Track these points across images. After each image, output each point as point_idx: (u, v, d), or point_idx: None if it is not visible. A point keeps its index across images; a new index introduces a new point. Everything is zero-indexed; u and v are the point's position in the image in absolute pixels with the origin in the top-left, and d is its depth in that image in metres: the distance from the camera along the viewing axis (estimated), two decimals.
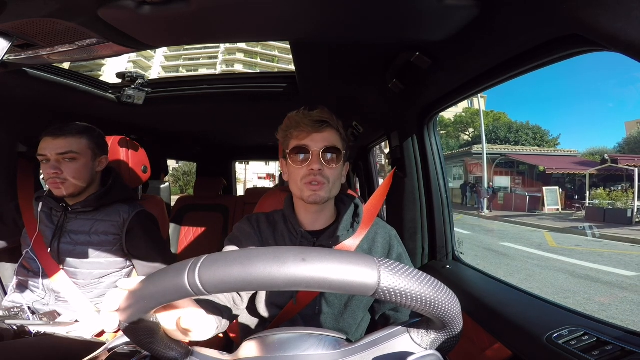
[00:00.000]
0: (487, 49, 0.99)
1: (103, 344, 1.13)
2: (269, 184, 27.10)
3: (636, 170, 14.25)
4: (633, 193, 13.50)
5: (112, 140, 1.76)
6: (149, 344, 0.58)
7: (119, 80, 1.76)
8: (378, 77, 1.47)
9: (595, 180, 17.28)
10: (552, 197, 17.23)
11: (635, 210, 12.33)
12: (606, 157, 17.13)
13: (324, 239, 1.17)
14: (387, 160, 1.88)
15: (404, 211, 1.71)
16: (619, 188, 14.74)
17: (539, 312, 1.01)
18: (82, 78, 1.68)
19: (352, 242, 1.20)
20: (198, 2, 0.82)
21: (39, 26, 0.94)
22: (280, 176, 2.00)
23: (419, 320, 0.60)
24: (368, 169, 3.07)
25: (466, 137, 31.94)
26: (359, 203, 1.27)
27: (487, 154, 19.27)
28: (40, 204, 1.54)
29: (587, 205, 14.92)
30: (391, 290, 0.46)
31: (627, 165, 15.43)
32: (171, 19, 0.91)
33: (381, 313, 1.24)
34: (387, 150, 1.97)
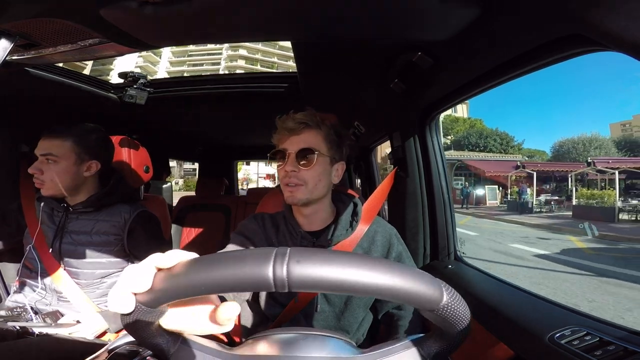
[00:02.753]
0: (489, 49, 0.99)
1: (105, 344, 1.13)
2: (269, 184, 27.24)
3: (534, 173, 20.46)
4: (533, 191, 19.93)
5: (114, 140, 1.76)
6: (140, 330, 0.52)
7: (122, 80, 1.76)
8: (380, 77, 1.47)
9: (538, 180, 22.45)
10: (492, 194, 22.50)
11: (535, 202, 18.19)
12: (518, 163, 23.50)
13: (323, 239, 1.18)
14: (389, 160, 1.88)
15: (405, 211, 1.71)
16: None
17: (541, 312, 1.01)
18: (85, 78, 1.68)
19: (351, 241, 1.21)
20: (200, 1, 0.82)
21: (41, 26, 0.94)
22: None
23: (428, 334, 0.60)
24: (369, 169, 3.07)
25: (447, 142, 32.93)
26: (358, 202, 1.28)
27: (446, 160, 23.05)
28: (42, 204, 1.54)
29: (509, 199, 20.27)
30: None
31: (532, 169, 21.17)
32: (173, 18, 0.91)
33: (384, 312, 1.25)
34: (388, 150, 1.97)
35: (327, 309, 1.16)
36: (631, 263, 7.64)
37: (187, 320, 0.55)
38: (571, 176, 20.17)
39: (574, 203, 16.49)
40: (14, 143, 1.80)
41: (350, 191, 1.52)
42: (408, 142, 1.65)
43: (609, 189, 16.34)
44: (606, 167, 17.45)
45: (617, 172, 16.32)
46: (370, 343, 1.30)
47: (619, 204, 14.14)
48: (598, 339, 0.80)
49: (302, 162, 1.11)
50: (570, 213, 15.69)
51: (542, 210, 17.55)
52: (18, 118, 1.81)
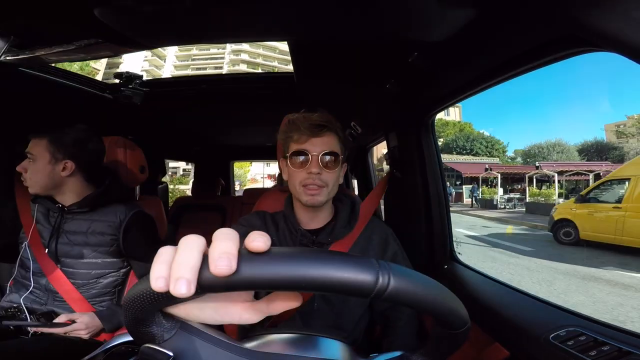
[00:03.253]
0: (484, 50, 0.99)
1: (100, 344, 1.12)
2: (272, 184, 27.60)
3: (499, 175, 23.61)
4: (496, 190, 23.10)
5: (109, 141, 1.75)
6: (145, 314, 0.45)
7: (117, 80, 1.76)
8: (376, 78, 1.47)
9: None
10: (468, 192, 24.59)
11: (499, 199, 20.41)
12: (487, 166, 25.92)
13: (323, 237, 1.19)
14: (385, 160, 1.88)
15: (401, 211, 1.71)
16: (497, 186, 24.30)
17: (537, 313, 1.01)
18: (80, 78, 1.67)
19: (349, 240, 1.22)
20: (195, 1, 0.82)
21: (35, 26, 0.94)
22: (279, 176, 2.00)
23: (427, 345, 0.60)
24: (366, 170, 3.07)
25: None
26: (356, 201, 1.29)
27: None
28: (37, 204, 1.54)
29: (479, 197, 22.56)
30: None
31: (498, 171, 24.26)
32: (168, 18, 0.91)
33: (379, 311, 1.25)
34: (384, 151, 1.97)
35: (324, 307, 1.16)
36: (525, 241, 9.97)
37: (209, 308, 0.49)
38: (526, 177, 22.33)
39: (527, 200, 19.34)
40: (8, 143, 1.80)
41: (346, 189, 1.52)
42: (404, 143, 1.66)
43: (552, 188, 19.76)
44: (550, 170, 20.34)
45: (556, 174, 19.53)
46: (367, 342, 1.31)
47: (560, 201, 16.10)
48: (593, 339, 0.80)
49: (326, 165, 1.12)
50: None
51: (506, 206, 20.04)
52: (13, 118, 1.80)
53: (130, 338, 1.07)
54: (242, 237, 0.42)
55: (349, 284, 0.40)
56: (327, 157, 1.12)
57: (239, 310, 0.49)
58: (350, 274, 0.40)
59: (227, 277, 0.37)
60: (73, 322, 1.36)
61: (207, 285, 0.38)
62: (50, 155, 1.45)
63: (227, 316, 0.49)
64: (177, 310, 0.48)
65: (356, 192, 3.34)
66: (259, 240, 0.39)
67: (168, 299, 0.39)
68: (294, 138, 1.15)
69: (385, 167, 1.88)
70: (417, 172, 1.60)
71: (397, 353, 0.61)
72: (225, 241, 0.38)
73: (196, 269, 0.37)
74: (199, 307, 0.48)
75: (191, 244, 0.39)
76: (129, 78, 1.71)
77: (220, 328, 0.52)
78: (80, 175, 1.54)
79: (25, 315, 1.39)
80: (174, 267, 0.37)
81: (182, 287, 0.35)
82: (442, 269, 1.51)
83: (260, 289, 0.43)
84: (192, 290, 0.36)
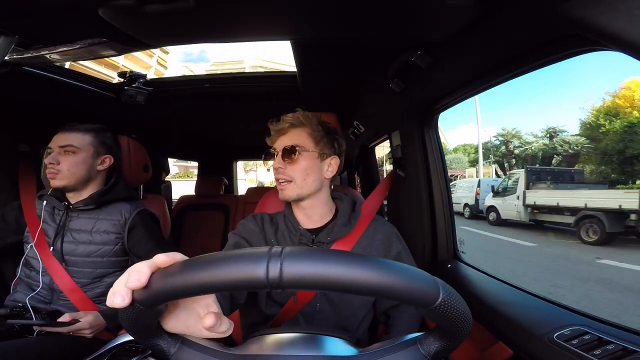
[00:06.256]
0: (488, 48, 0.99)
1: (105, 343, 1.13)
2: None
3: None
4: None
5: None
6: (140, 331, 0.52)
7: (121, 80, 1.76)
8: (379, 76, 1.47)
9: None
10: None
11: None
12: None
13: (322, 236, 1.19)
14: (388, 160, 1.88)
15: (405, 210, 1.70)
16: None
17: (540, 312, 1.01)
18: (84, 77, 1.68)
19: (350, 239, 1.21)
20: (198, 1, 0.82)
21: (39, 26, 0.94)
22: None
23: (429, 332, 0.59)
24: (369, 168, 3.07)
25: None
26: (356, 199, 1.29)
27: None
28: (44, 202, 1.54)
29: None
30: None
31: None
32: (171, 17, 0.91)
33: (382, 311, 1.25)
34: (388, 150, 1.97)
35: (327, 308, 1.16)
36: None
37: (186, 323, 0.55)
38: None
39: None
40: (12, 142, 1.81)
41: (348, 188, 1.51)
42: (407, 142, 1.65)
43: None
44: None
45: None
46: (371, 342, 1.30)
47: None
48: (597, 338, 0.80)
49: (287, 159, 1.16)
50: None
51: None
52: (17, 118, 1.81)
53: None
54: (232, 247, 0.47)
55: (240, 280, 0.42)
56: (288, 152, 1.16)
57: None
58: (240, 270, 0.42)
59: (144, 293, 0.45)
60: (77, 321, 1.36)
61: (138, 299, 0.45)
62: (94, 149, 1.54)
63: (199, 331, 0.55)
64: (168, 325, 0.55)
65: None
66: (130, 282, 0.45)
67: (141, 313, 0.47)
68: (269, 140, 1.25)
69: (388, 167, 1.87)
70: (421, 171, 1.59)
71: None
72: (140, 264, 0.46)
73: (123, 286, 0.45)
74: (179, 323, 0.55)
75: (134, 267, 0.46)
76: (133, 77, 1.71)
77: (228, 339, 0.60)
78: (106, 172, 1.62)
79: (31, 315, 1.40)
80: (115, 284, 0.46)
81: (116, 298, 0.44)
82: (446, 268, 1.51)
83: (177, 298, 0.48)
84: (126, 301, 0.44)
